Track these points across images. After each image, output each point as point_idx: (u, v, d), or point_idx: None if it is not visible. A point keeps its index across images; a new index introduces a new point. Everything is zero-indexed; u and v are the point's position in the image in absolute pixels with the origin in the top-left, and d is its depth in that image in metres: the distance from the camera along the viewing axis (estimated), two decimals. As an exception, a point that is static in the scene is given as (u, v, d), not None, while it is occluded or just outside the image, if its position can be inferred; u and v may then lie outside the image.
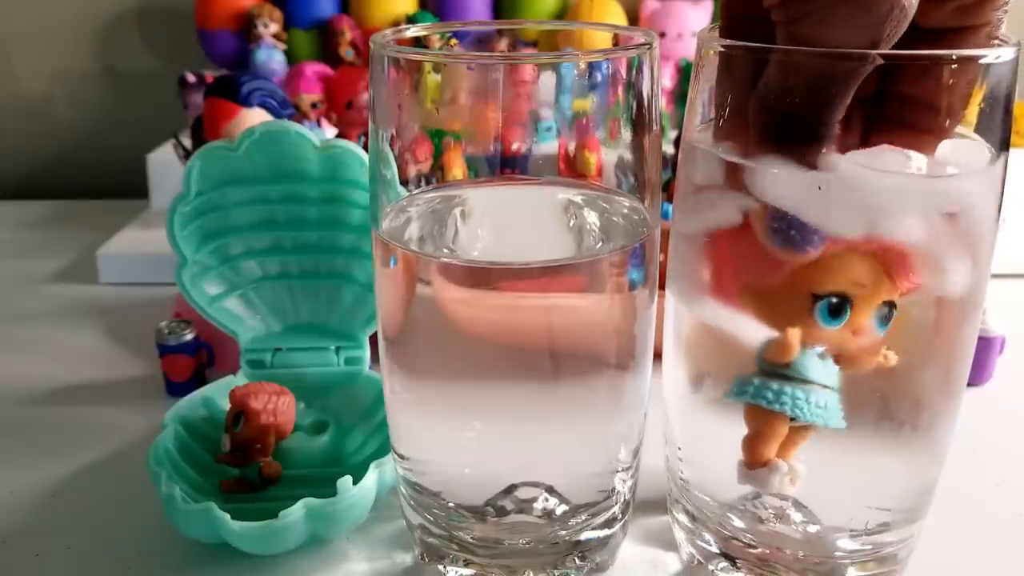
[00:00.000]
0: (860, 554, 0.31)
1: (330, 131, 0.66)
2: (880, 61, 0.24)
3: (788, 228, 0.26)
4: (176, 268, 0.42)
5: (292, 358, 0.44)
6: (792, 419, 0.28)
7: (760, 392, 0.28)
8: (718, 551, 0.33)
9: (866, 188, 0.26)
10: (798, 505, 0.31)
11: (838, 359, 0.28)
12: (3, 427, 0.45)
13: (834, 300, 0.26)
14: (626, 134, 0.30)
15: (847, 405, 0.28)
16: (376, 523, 0.37)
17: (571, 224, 0.33)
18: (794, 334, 0.27)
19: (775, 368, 0.28)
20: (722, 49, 0.28)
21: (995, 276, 0.30)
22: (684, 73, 0.78)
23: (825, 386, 0.28)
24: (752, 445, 0.29)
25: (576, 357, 0.31)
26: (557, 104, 0.29)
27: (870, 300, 0.27)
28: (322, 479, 0.36)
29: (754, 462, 0.29)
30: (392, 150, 0.30)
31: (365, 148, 0.41)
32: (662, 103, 0.74)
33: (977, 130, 0.27)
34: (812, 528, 0.31)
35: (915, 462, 0.30)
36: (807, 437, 0.29)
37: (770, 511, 0.31)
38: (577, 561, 0.33)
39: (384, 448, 0.36)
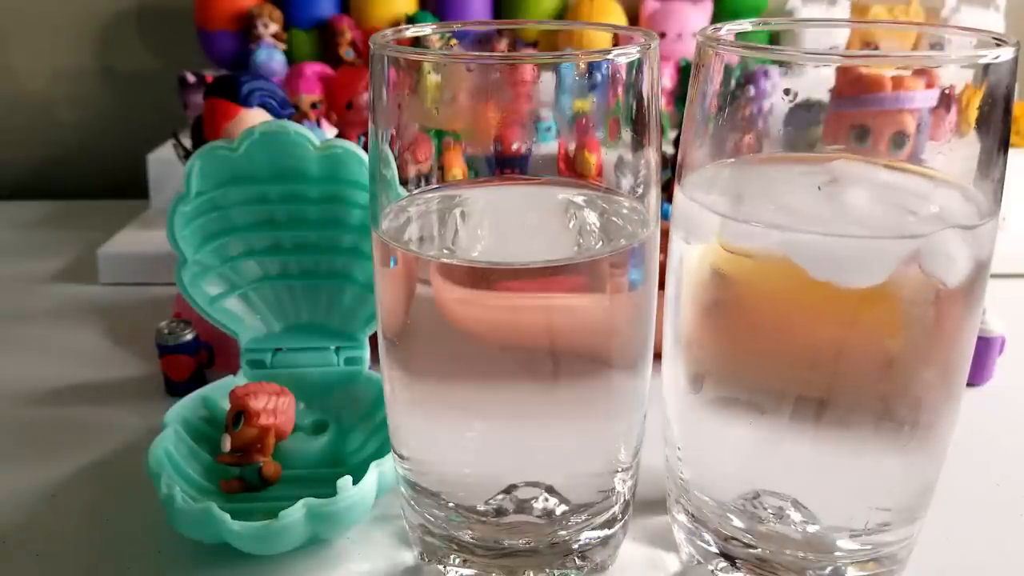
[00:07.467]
0: (860, 554, 0.31)
1: (330, 131, 0.65)
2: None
3: None
4: (176, 268, 0.42)
5: (292, 358, 0.44)
6: None
7: None
8: (718, 551, 0.33)
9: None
10: (798, 505, 0.31)
11: None
12: (3, 427, 0.45)
13: None
14: (626, 134, 0.30)
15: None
16: (376, 523, 0.37)
17: (571, 224, 0.33)
18: None
19: None
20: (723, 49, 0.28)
21: (995, 276, 0.30)
22: (684, 73, 0.78)
23: None
24: None
25: (576, 357, 0.31)
26: (557, 104, 0.29)
27: None
28: (322, 479, 0.36)
29: None
30: (392, 150, 0.30)
31: (365, 148, 0.41)
32: (662, 103, 0.74)
33: (977, 130, 0.27)
34: (812, 528, 0.31)
35: (915, 462, 0.30)
36: None
37: (769, 511, 0.31)
38: (577, 561, 0.33)
39: (384, 448, 0.36)
